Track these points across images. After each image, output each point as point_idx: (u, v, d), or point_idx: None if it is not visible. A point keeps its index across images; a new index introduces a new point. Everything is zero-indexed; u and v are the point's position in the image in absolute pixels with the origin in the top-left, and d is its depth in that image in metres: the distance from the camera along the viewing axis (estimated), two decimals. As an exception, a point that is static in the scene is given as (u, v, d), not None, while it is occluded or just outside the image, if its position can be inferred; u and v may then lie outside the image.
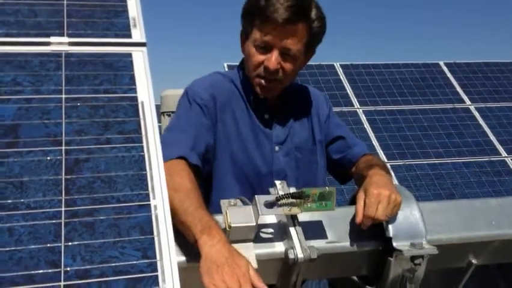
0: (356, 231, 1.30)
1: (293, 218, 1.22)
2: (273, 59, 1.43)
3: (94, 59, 1.07)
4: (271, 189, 1.26)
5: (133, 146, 0.94)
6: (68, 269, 0.78)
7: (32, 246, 0.79)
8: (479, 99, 6.13)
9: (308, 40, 1.48)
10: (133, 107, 1.00)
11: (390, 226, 1.27)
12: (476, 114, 5.97)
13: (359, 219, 1.25)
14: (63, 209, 0.84)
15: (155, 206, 0.87)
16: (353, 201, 1.37)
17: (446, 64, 6.57)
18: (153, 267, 0.80)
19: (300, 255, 1.17)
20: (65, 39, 1.07)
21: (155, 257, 0.81)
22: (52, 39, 1.07)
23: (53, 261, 0.78)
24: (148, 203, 0.88)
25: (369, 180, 1.33)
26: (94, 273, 0.78)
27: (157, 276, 0.80)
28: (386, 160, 5.16)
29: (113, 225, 0.84)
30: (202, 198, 1.23)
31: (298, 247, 1.17)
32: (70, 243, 0.81)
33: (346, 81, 6.17)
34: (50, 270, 0.77)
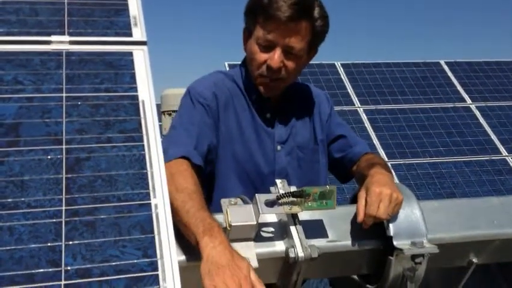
0: (357, 230, 1.30)
1: (294, 217, 1.22)
2: (276, 58, 1.43)
3: (94, 57, 1.07)
4: (272, 188, 1.26)
5: (133, 145, 0.94)
6: (69, 268, 0.78)
7: (33, 245, 0.79)
8: (479, 98, 6.14)
9: (311, 39, 1.47)
10: (133, 106, 1.00)
11: (390, 225, 1.27)
12: (477, 113, 5.97)
13: (360, 217, 1.25)
14: (63, 208, 0.84)
15: (155, 205, 0.87)
16: (353, 200, 1.37)
17: (447, 63, 6.57)
18: (154, 266, 0.80)
19: (301, 254, 1.17)
20: (66, 38, 1.07)
21: (155, 256, 0.81)
22: (53, 38, 1.07)
23: (54, 260, 0.78)
24: (149, 202, 0.87)
25: (370, 179, 1.33)
26: (94, 272, 0.78)
27: (157, 275, 0.80)
28: (386, 159, 5.15)
29: (113, 224, 0.84)
30: (204, 200, 1.23)
31: (299, 246, 1.17)
32: (70, 242, 0.81)
33: (347, 80, 6.16)
34: (50, 270, 0.77)
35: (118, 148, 0.93)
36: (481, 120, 5.88)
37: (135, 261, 0.80)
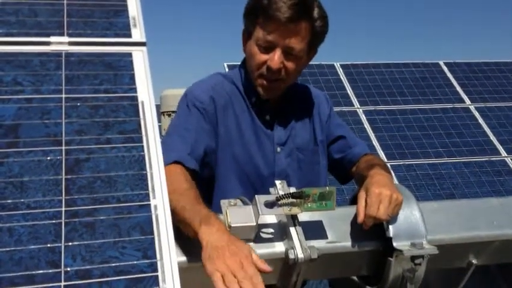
0: (356, 231, 1.30)
1: (293, 218, 1.22)
2: (276, 58, 1.43)
3: (94, 58, 1.06)
4: (272, 189, 1.26)
5: (133, 146, 0.94)
6: (69, 269, 0.78)
7: (32, 247, 0.79)
8: (479, 99, 6.14)
9: (311, 39, 1.48)
10: (133, 107, 1.00)
11: (390, 226, 1.26)
12: (476, 114, 5.97)
13: (360, 218, 1.25)
14: (63, 209, 0.84)
15: (155, 206, 0.87)
16: (353, 201, 1.37)
17: (446, 64, 6.58)
18: (153, 267, 0.80)
19: (301, 255, 1.16)
20: (65, 38, 1.07)
21: (155, 257, 0.81)
22: (52, 38, 1.07)
23: (54, 261, 0.78)
24: (148, 203, 0.87)
25: (370, 180, 1.33)
26: (94, 274, 0.78)
27: (157, 276, 0.79)
28: (386, 160, 5.16)
29: (113, 225, 0.84)
30: (200, 197, 1.23)
31: (299, 247, 1.17)
32: (70, 243, 0.80)
33: (346, 81, 6.17)
34: (50, 271, 0.77)
35: (118, 149, 0.93)
36: (480, 121, 5.89)
37: (135, 262, 0.80)
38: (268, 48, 1.44)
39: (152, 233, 0.84)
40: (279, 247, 1.22)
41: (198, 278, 1.07)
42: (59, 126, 0.94)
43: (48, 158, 0.89)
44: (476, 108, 6.04)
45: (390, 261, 1.25)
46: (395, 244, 1.25)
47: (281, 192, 1.22)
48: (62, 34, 1.08)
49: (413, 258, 1.24)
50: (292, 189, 1.23)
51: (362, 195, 1.29)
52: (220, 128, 1.49)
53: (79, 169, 0.89)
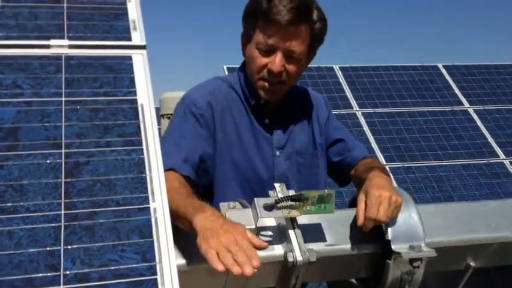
0: (355, 234, 1.30)
1: (292, 221, 1.22)
2: (277, 61, 1.43)
3: (93, 61, 1.07)
4: (271, 192, 1.26)
5: (132, 149, 0.94)
6: (68, 272, 0.78)
7: (32, 250, 0.79)
8: (477, 102, 6.15)
9: (310, 41, 1.48)
10: (132, 110, 1.00)
11: (389, 229, 1.27)
12: (475, 116, 5.98)
13: (360, 221, 1.25)
14: (62, 212, 0.84)
15: (154, 209, 0.87)
16: (352, 204, 1.37)
17: (445, 66, 6.58)
18: (152, 270, 0.80)
19: (299, 258, 1.16)
20: (65, 42, 1.08)
21: (154, 260, 0.81)
22: (52, 42, 1.07)
23: (53, 264, 0.78)
24: (148, 206, 0.88)
25: (369, 182, 1.33)
26: (93, 277, 0.78)
27: (156, 279, 0.80)
28: (384, 162, 5.16)
29: (112, 229, 0.84)
30: (193, 192, 1.25)
31: (298, 250, 1.17)
32: (69, 247, 0.81)
33: (345, 83, 6.17)
34: (49, 274, 0.77)
35: (117, 152, 0.93)
36: (478, 124, 5.89)
37: (134, 265, 0.80)
38: (269, 52, 1.44)
39: (151, 236, 0.84)
40: (278, 250, 1.22)
41: (197, 280, 1.07)
42: (58, 129, 0.94)
43: (48, 161, 0.89)
44: (474, 110, 6.05)
45: (388, 263, 1.26)
46: (393, 247, 1.25)
47: (280, 195, 1.22)
48: (62, 37, 1.08)
49: (411, 260, 1.24)
50: (291, 192, 1.23)
51: (361, 198, 1.29)
52: (218, 133, 1.49)
53: (79, 172, 0.89)
